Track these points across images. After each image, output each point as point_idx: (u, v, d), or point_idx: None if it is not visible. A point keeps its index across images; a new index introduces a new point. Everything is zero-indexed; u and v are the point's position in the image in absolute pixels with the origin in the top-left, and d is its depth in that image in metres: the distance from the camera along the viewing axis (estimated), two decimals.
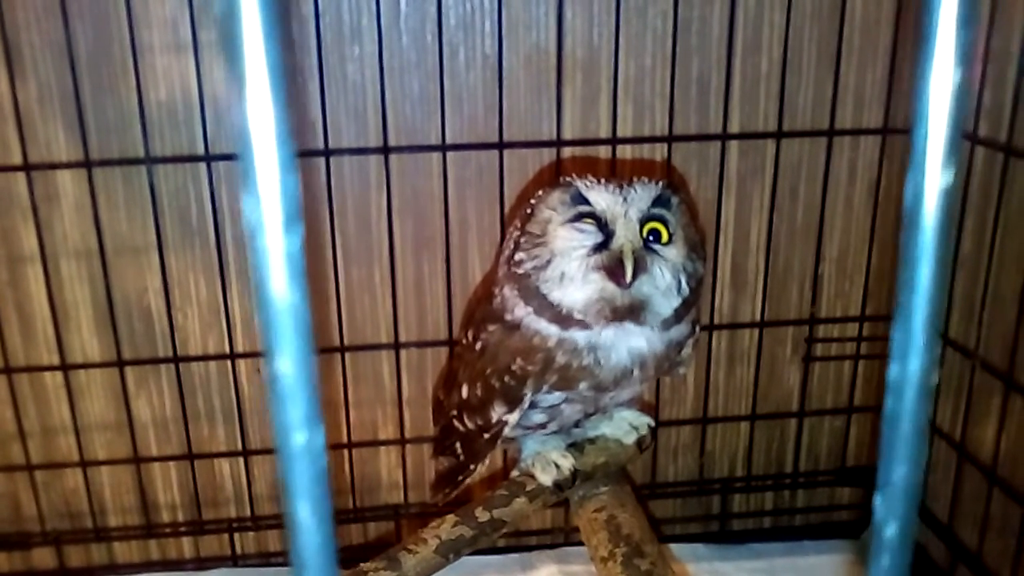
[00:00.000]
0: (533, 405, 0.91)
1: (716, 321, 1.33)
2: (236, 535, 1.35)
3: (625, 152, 1.23)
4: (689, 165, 1.26)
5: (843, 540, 1.39)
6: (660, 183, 0.88)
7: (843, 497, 1.45)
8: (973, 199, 1.20)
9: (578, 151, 1.23)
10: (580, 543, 1.01)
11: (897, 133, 1.25)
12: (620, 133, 1.22)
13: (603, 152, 1.23)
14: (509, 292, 0.89)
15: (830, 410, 1.40)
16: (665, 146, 1.23)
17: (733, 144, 1.25)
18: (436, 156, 1.21)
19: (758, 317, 1.33)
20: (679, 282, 0.87)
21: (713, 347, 1.34)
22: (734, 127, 1.24)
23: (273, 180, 0.26)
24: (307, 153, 1.19)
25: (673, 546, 1.36)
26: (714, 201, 1.27)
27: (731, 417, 1.38)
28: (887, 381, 0.30)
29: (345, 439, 1.32)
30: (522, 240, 0.89)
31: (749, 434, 1.40)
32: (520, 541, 1.38)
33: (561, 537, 1.38)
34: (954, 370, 1.27)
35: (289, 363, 0.27)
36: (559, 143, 1.22)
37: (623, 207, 0.85)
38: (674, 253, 0.87)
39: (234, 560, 1.36)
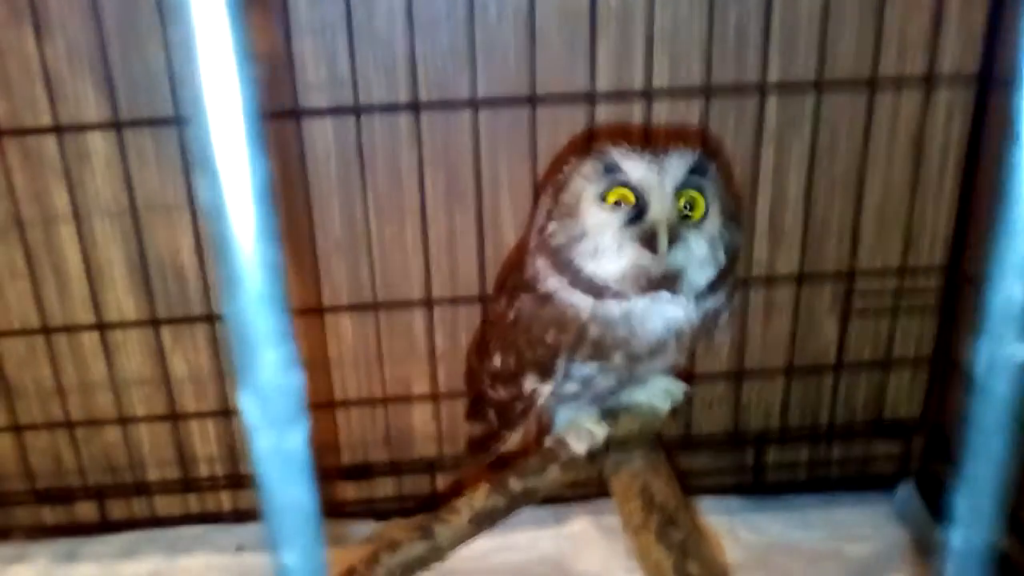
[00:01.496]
0: (566, 375, 0.90)
1: (754, 274, 1.31)
2: None
3: (661, 107, 1.20)
4: (726, 117, 1.23)
5: (879, 493, 1.38)
6: (696, 151, 0.85)
7: (879, 450, 1.44)
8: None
9: (612, 106, 1.20)
10: None
11: (941, 82, 1.22)
12: (656, 84, 1.19)
13: (638, 108, 1.20)
14: (542, 263, 0.87)
15: (868, 363, 1.38)
16: (702, 98, 1.21)
17: (772, 95, 1.22)
18: (467, 111, 1.19)
19: (796, 270, 1.31)
20: (715, 252, 0.85)
21: (751, 300, 1.32)
22: (773, 77, 1.21)
23: (274, 381, 0.26)
24: (337, 111, 1.17)
25: (707, 499, 1.37)
26: (752, 153, 1.24)
27: (767, 371, 1.37)
28: (949, 547, 0.28)
29: (380, 394, 1.33)
30: (555, 211, 0.87)
31: (785, 387, 1.39)
32: (554, 493, 1.38)
33: (595, 490, 1.38)
34: None
35: (296, 557, 0.27)
36: (593, 97, 1.19)
37: (657, 177, 0.83)
38: (710, 223, 0.85)
39: None
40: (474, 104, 1.18)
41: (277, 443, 0.26)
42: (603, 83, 1.19)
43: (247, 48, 0.25)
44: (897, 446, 1.43)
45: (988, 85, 1.22)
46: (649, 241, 0.82)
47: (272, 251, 0.25)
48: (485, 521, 0.93)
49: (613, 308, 0.84)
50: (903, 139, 1.25)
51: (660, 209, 0.83)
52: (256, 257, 0.25)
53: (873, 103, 1.22)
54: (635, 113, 1.21)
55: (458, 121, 1.19)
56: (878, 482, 1.41)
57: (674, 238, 0.82)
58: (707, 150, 0.88)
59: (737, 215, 0.90)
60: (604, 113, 1.20)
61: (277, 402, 0.26)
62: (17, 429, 1.31)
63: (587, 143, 1.19)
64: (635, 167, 0.83)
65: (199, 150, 0.25)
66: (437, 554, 0.94)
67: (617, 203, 0.84)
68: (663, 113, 1.21)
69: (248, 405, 0.26)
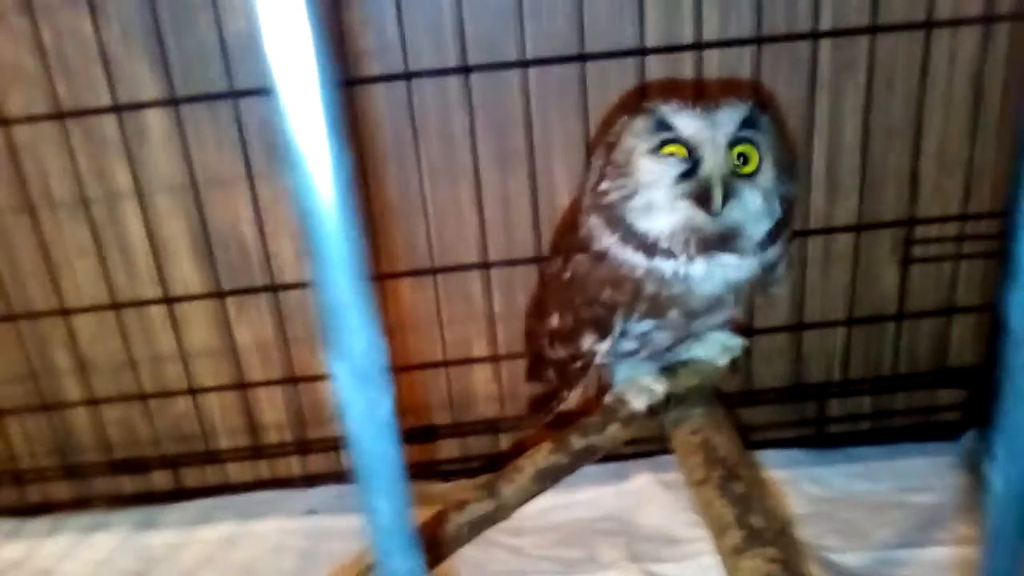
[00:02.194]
0: (624, 333, 0.90)
1: (811, 225, 1.29)
2: (342, 452, 1.40)
3: (712, 58, 1.19)
4: (779, 66, 1.21)
5: (943, 442, 1.37)
6: (748, 103, 0.84)
7: (943, 399, 1.42)
8: None
9: (662, 60, 1.19)
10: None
11: (1000, 21, 1.19)
12: (706, 36, 1.18)
13: (688, 59, 1.19)
14: (595, 221, 0.87)
15: (930, 311, 1.36)
16: (753, 48, 1.19)
17: (825, 41, 1.20)
18: (517, 72, 1.19)
19: (854, 219, 1.29)
20: (771, 206, 0.84)
21: (809, 251, 1.31)
22: (825, 23, 1.19)
23: (362, 346, 0.27)
24: (387, 77, 1.18)
25: (769, 452, 1.36)
26: (806, 101, 1.22)
27: (827, 323, 1.36)
28: (990, 493, 0.28)
29: (441, 357, 1.35)
30: (607, 169, 0.87)
31: (846, 338, 1.37)
32: (615, 450, 1.39)
33: (656, 446, 1.38)
34: None
35: (388, 507, 0.29)
36: (643, 51, 1.18)
37: (710, 132, 0.82)
38: (764, 176, 0.84)
39: (341, 476, 1.41)
40: (523, 64, 1.18)
41: (367, 407, 0.27)
42: (652, 37, 1.18)
43: (321, 15, 0.26)
44: (961, 394, 1.41)
45: None
46: (703, 198, 0.82)
47: (353, 221, 0.26)
48: (548, 479, 0.94)
49: (666, 266, 0.84)
50: (961, 82, 1.23)
51: (713, 164, 0.82)
52: (339, 228, 0.26)
53: (930, 46, 1.20)
54: (686, 66, 1.20)
55: (508, 82, 1.19)
56: (943, 431, 1.39)
57: (728, 193, 0.81)
58: (759, 101, 0.87)
59: (792, 166, 0.89)
60: (655, 67, 1.19)
61: (365, 367, 0.27)
62: (93, 403, 1.35)
63: (638, 99, 1.18)
64: (686, 122, 0.83)
65: (278, 124, 0.25)
66: (503, 512, 0.95)
67: (670, 158, 0.84)
68: (714, 65, 1.20)
69: (340, 372, 0.27)
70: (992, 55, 1.21)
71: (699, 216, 0.82)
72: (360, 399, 0.27)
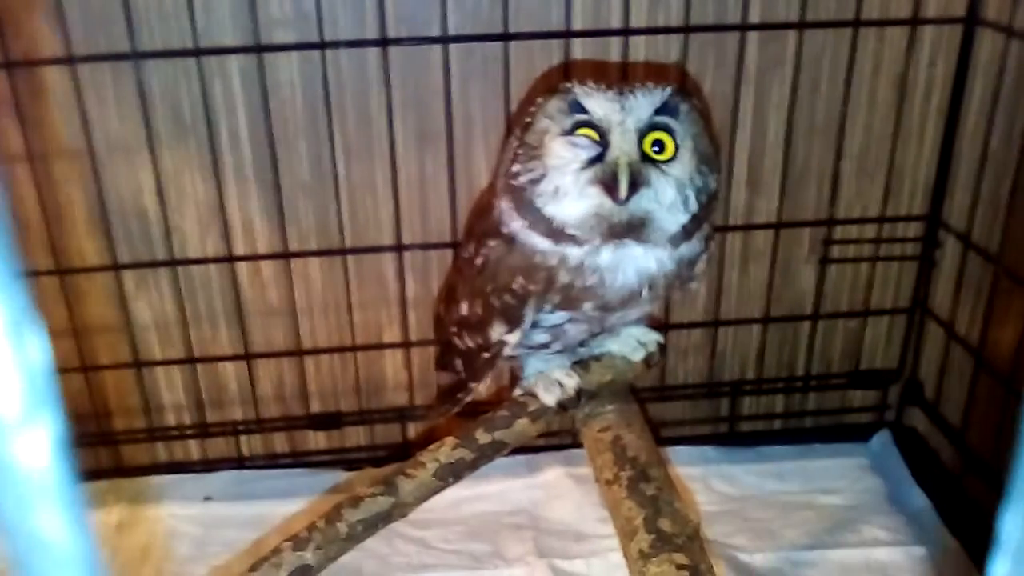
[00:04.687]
0: (535, 325, 0.87)
1: (731, 221, 1.28)
2: (242, 437, 1.35)
3: (639, 45, 1.17)
4: (706, 57, 1.19)
5: (854, 443, 1.37)
6: (667, 89, 0.81)
7: (854, 400, 1.43)
8: (1004, 96, 1.15)
9: (588, 43, 1.16)
10: None
11: (926, 23, 1.18)
12: (634, 23, 1.16)
13: (615, 45, 1.16)
14: (505, 205, 0.84)
15: (845, 313, 1.36)
16: (681, 37, 1.17)
17: (753, 35, 1.18)
18: (438, 48, 1.15)
19: (774, 217, 1.28)
20: (686, 197, 0.82)
21: (727, 248, 1.30)
22: (754, 16, 1.17)
23: None
24: (302, 46, 1.13)
25: (681, 448, 1.35)
26: (731, 96, 1.21)
27: (743, 320, 1.35)
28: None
29: (350, 342, 1.30)
30: (520, 151, 0.84)
31: (761, 336, 1.37)
32: (525, 444, 1.36)
33: (568, 439, 1.36)
34: (974, 274, 1.23)
35: None
36: (568, 34, 1.15)
37: (620, 116, 0.79)
38: (680, 166, 0.81)
39: (240, 462, 1.36)
40: (445, 40, 1.14)
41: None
42: (579, 20, 1.15)
43: None
44: (873, 396, 1.42)
45: (973, 28, 1.18)
46: (610, 184, 0.79)
47: None
48: (451, 475, 0.90)
49: (574, 253, 0.81)
50: (886, 83, 1.22)
51: (620, 148, 0.79)
52: None
53: (856, 45, 1.19)
54: (612, 52, 1.17)
55: (429, 58, 1.15)
56: (853, 432, 1.39)
57: (638, 181, 0.79)
58: (681, 88, 0.84)
59: (714, 158, 0.87)
60: (580, 51, 1.17)
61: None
62: None
63: (561, 79, 1.15)
64: (598, 105, 0.80)
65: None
66: (401, 509, 0.90)
67: (580, 141, 0.81)
68: (640, 53, 1.17)
69: None
70: (916, 58, 1.21)
71: (606, 203, 0.79)
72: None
